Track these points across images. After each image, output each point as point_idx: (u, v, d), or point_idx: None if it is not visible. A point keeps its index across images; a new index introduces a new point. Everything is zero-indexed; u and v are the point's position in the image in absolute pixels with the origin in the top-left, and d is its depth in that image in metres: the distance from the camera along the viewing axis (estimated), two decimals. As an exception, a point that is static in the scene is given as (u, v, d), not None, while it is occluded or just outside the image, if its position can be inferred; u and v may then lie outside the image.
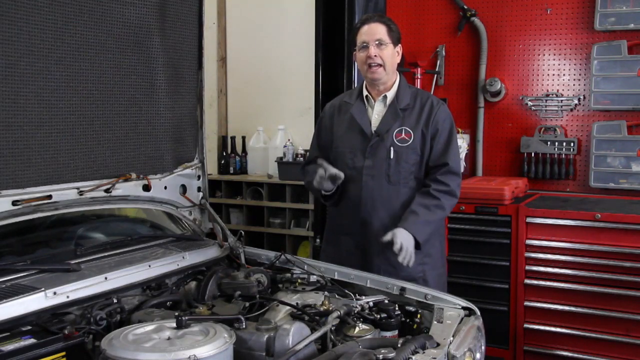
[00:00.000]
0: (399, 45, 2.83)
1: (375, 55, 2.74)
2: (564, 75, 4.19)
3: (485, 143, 4.39)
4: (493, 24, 4.32)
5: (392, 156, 2.77)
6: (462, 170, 2.92)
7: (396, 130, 2.79)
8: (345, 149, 2.86)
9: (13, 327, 1.84)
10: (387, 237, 2.62)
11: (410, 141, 2.78)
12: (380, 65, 2.76)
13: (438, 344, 2.01)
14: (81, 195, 2.43)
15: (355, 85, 3.84)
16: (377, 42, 2.74)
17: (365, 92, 2.88)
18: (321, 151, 2.98)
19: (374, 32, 2.75)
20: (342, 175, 2.71)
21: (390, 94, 2.84)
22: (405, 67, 4.21)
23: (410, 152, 2.78)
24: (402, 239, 2.59)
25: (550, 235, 3.56)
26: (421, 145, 2.79)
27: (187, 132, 2.91)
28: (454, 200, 2.79)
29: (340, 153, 2.87)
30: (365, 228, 2.82)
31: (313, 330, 1.98)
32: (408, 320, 2.32)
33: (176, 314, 1.88)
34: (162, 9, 2.69)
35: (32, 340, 1.74)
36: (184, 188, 2.89)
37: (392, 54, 2.79)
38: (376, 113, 2.85)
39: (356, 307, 2.22)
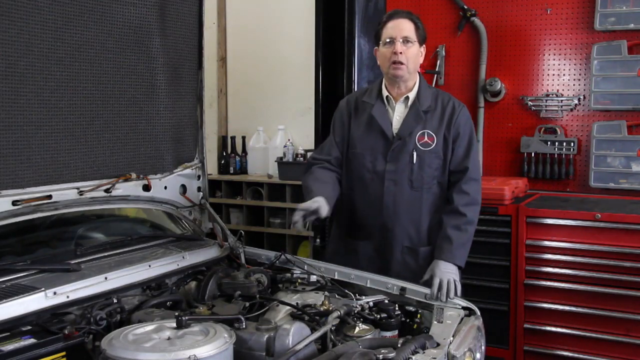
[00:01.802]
0: (424, 45, 2.72)
1: (400, 53, 2.62)
2: (564, 75, 4.19)
3: (485, 143, 4.39)
4: (493, 24, 4.32)
5: (415, 161, 2.68)
6: (481, 173, 2.82)
7: (419, 134, 2.69)
8: (365, 151, 2.75)
9: (13, 327, 1.84)
10: (426, 276, 2.57)
11: (433, 145, 2.69)
12: (404, 64, 2.64)
13: (438, 344, 2.01)
14: (81, 195, 2.43)
15: (355, 85, 3.84)
16: (403, 39, 2.63)
17: (385, 93, 2.77)
18: (338, 148, 2.85)
19: (401, 28, 2.63)
20: (322, 213, 2.51)
21: (412, 95, 2.73)
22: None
23: (434, 156, 2.69)
24: (441, 275, 2.49)
25: (550, 235, 3.56)
26: (444, 149, 2.70)
27: (187, 132, 2.91)
28: (477, 207, 2.72)
29: (359, 155, 2.77)
30: (385, 233, 2.74)
31: (313, 330, 1.98)
32: (408, 320, 2.32)
33: (176, 314, 1.89)
34: (162, 9, 2.69)
35: (32, 340, 1.74)
36: (184, 188, 2.89)
37: (416, 54, 2.68)
38: (397, 114, 2.75)
39: (356, 307, 2.23)
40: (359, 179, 2.77)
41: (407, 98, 2.74)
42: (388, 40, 2.65)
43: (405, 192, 2.70)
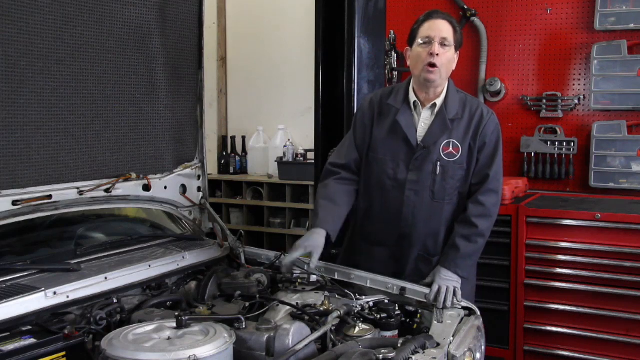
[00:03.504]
0: (458, 51, 2.62)
1: (437, 54, 2.49)
2: (564, 75, 4.19)
3: (485, 143, 4.39)
4: (493, 24, 4.32)
5: (438, 171, 2.59)
6: (502, 186, 2.70)
7: (443, 143, 2.59)
8: (387, 157, 2.65)
9: (13, 327, 1.84)
10: (428, 279, 2.54)
11: (458, 156, 2.59)
12: (438, 67, 2.51)
13: (438, 344, 2.01)
14: (81, 195, 2.43)
15: (355, 85, 3.82)
16: (441, 41, 2.51)
17: (413, 98, 2.64)
18: (358, 151, 2.74)
19: (440, 28, 2.51)
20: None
21: (439, 102, 2.62)
22: (406, 67, 4.20)
23: (457, 167, 2.60)
24: (441, 282, 2.45)
25: (550, 235, 3.56)
26: (468, 160, 2.61)
27: (187, 132, 2.91)
28: (492, 220, 2.64)
29: (380, 160, 2.66)
30: (402, 241, 2.68)
31: (313, 330, 1.98)
32: (408, 320, 2.32)
33: (176, 313, 1.89)
34: (162, 9, 2.70)
35: (32, 340, 1.74)
36: (184, 188, 2.89)
37: (451, 59, 2.57)
38: (422, 121, 2.63)
39: (356, 307, 2.23)
40: (379, 185, 2.68)
41: (434, 105, 2.63)
42: (425, 40, 2.53)
43: (426, 202, 2.62)
